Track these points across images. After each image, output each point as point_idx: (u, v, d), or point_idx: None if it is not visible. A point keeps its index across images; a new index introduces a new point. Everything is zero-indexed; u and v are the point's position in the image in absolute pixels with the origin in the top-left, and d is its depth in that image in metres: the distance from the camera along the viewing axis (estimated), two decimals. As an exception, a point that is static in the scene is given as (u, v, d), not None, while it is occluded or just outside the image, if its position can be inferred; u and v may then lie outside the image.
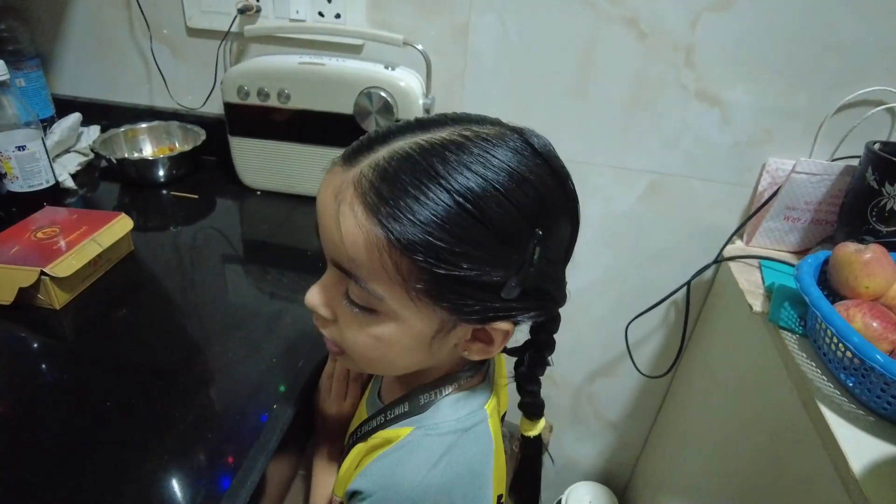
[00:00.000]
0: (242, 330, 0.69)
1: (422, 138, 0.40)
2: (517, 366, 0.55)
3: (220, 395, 0.60)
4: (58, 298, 0.68)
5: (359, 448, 0.52)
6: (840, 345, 0.66)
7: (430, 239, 0.37)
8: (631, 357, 1.11)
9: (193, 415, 0.56)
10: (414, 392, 0.50)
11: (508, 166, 0.39)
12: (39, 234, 0.73)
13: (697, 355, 1.09)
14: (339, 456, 0.60)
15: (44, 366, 0.63)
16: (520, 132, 0.42)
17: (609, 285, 1.11)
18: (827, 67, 0.85)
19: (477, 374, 0.52)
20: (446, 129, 0.41)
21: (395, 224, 0.37)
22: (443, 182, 0.37)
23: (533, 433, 0.57)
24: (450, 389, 0.50)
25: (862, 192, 0.82)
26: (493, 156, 0.39)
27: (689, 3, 0.84)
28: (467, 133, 0.40)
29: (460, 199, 0.37)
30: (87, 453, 0.52)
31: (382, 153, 0.40)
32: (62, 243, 0.71)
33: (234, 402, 0.59)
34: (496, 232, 0.38)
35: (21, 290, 0.67)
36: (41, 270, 0.66)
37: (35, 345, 0.66)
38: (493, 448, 0.50)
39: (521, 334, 0.50)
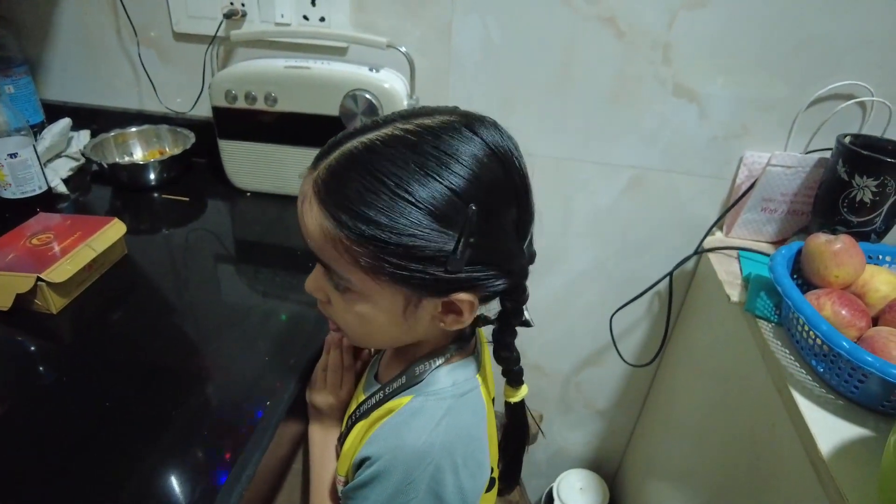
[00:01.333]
0: (236, 329, 0.71)
1: (367, 137, 0.44)
2: (493, 333, 0.58)
3: (215, 393, 0.62)
4: (54, 303, 0.70)
5: (361, 425, 0.56)
6: (811, 332, 0.69)
7: (371, 224, 0.42)
8: (616, 347, 1.14)
9: (189, 412, 0.59)
10: (409, 366, 0.55)
11: (440, 149, 0.43)
12: (34, 241, 0.75)
13: (681, 345, 1.12)
14: (334, 443, 0.63)
15: (42, 368, 0.65)
16: (464, 117, 0.46)
17: (595, 277, 1.13)
18: (800, 62, 0.87)
19: (464, 349, 0.56)
20: (391, 126, 0.45)
21: (341, 214, 0.43)
22: (376, 172, 0.42)
23: (514, 399, 0.60)
24: (440, 361, 0.54)
25: (833, 183, 0.85)
26: (427, 141, 0.43)
27: (666, 1, 0.86)
28: (408, 126, 0.44)
29: (391, 184, 0.41)
30: (86, 452, 0.54)
31: (335, 154, 0.44)
32: (57, 249, 0.73)
33: (229, 400, 0.61)
34: (428, 210, 0.42)
35: (18, 295, 0.69)
36: (38, 276, 0.68)
37: (33, 348, 0.68)
38: (486, 414, 0.55)
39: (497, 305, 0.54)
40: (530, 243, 0.51)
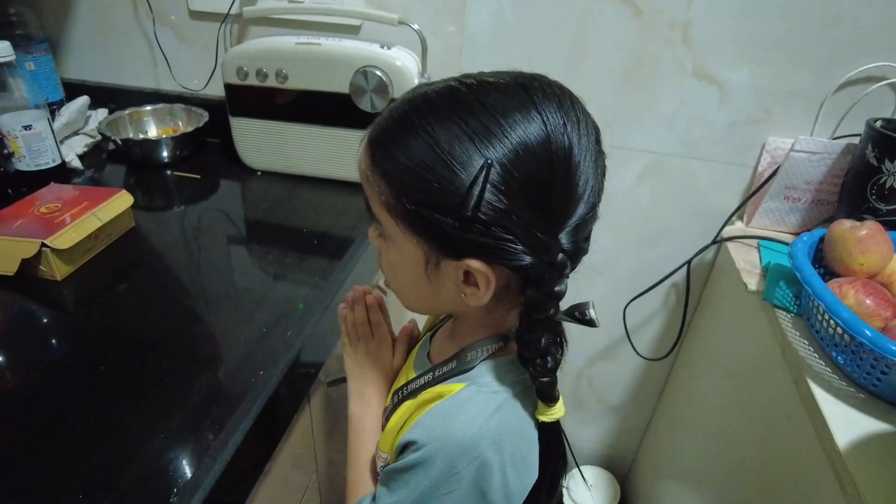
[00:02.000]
0: (235, 301, 0.71)
1: (431, 86, 0.44)
2: (516, 330, 0.51)
3: (209, 362, 0.61)
4: (59, 270, 0.71)
5: (408, 405, 0.54)
6: (831, 321, 0.65)
7: (391, 160, 0.43)
8: (629, 339, 1.11)
9: (183, 379, 0.58)
10: (462, 351, 0.52)
11: (480, 101, 0.41)
12: (42, 209, 0.75)
13: (698, 338, 1.08)
14: (373, 416, 0.62)
15: (43, 332, 0.66)
16: (529, 79, 0.43)
17: (608, 267, 1.10)
18: (827, 44, 0.83)
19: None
20: (455, 79, 0.44)
21: (374, 149, 0.44)
22: (413, 114, 0.42)
23: (542, 417, 0.50)
24: (493, 348, 0.51)
25: (862, 170, 0.81)
26: (473, 93, 0.42)
27: (686, -22, 0.84)
28: (466, 79, 0.43)
29: (418, 124, 0.42)
30: (80, 413, 0.54)
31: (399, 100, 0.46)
32: (64, 217, 0.74)
33: (223, 368, 0.60)
34: (445, 154, 0.40)
35: (24, 261, 0.69)
36: (42, 242, 0.68)
37: (36, 313, 0.68)
38: None
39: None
40: (576, 235, 0.44)
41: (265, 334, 0.65)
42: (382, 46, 0.90)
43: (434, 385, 0.53)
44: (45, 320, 0.68)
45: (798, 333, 0.74)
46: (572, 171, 0.42)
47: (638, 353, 1.12)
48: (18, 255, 0.69)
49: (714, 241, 0.97)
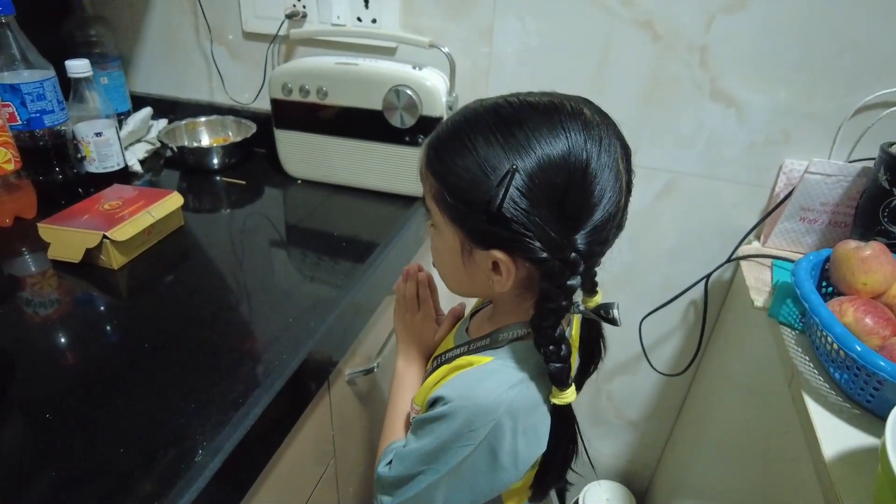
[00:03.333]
0: (268, 294, 0.78)
1: (484, 101, 0.52)
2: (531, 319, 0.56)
3: (239, 344, 0.69)
4: (116, 259, 0.80)
5: (444, 368, 0.61)
6: (828, 337, 0.67)
7: (439, 159, 0.51)
8: (645, 353, 1.13)
9: (215, 358, 0.66)
10: (496, 331, 0.60)
11: (516, 117, 0.48)
12: (106, 206, 0.85)
13: (715, 356, 1.09)
14: (413, 375, 0.71)
15: (99, 313, 0.75)
16: (565, 100, 0.50)
17: (627, 282, 1.13)
18: (844, 69, 0.85)
19: None
20: (503, 97, 0.52)
21: (430, 152, 0.52)
22: (463, 124, 0.50)
23: (554, 400, 0.54)
24: (522, 332, 0.57)
25: (875, 193, 0.82)
26: (512, 109, 0.49)
27: (703, 5, 0.87)
28: (511, 98, 0.51)
29: (465, 132, 0.50)
30: (126, 382, 0.62)
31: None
32: (123, 213, 0.83)
33: (250, 351, 0.67)
34: (481, 159, 0.48)
35: (87, 250, 0.79)
36: (104, 234, 0.78)
37: (95, 296, 0.78)
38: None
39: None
40: (591, 239, 0.49)
41: (290, 324, 0.72)
42: (414, 67, 0.97)
43: (467, 355, 0.60)
44: (101, 302, 0.77)
45: (800, 349, 0.75)
46: (588, 182, 0.47)
47: (654, 368, 1.14)
48: (83, 245, 0.79)
49: (729, 260, 0.99)
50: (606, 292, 1.17)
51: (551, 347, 0.52)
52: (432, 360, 0.68)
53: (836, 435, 0.63)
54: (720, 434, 1.02)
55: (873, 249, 0.72)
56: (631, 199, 0.53)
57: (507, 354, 0.57)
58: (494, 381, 0.54)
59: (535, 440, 0.55)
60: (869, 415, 0.65)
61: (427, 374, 0.66)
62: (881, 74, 0.84)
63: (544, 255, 0.48)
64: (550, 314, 0.51)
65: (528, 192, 0.47)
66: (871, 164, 0.85)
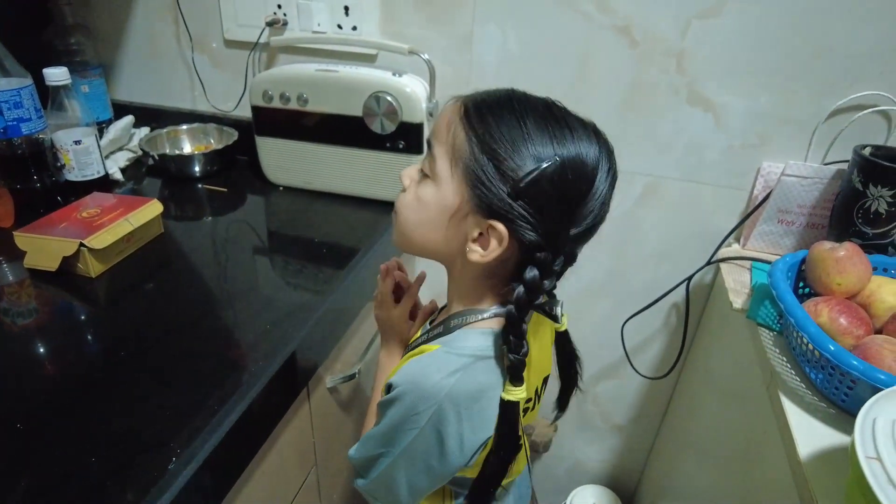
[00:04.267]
0: (246, 301, 0.78)
1: (520, 90, 0.55)
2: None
3: (217, 351, 0.68)
4: (93, 268, 0.79)
5: (406, 357, 0.63)
6: (803, 337, 0.68)
7: (484, 119, 0.52)
8: (628, 357, 1.13)
9: (192, 365, 0.65)
10: (448, 318, 0.62)
11: (566, 119, 0.52)
12: (84, 214, 0.85)
13: (698, 358, 1.10)
14: (395, 363, 0.72)
15: (77, 321, 0.74)
16: (596, 125, 0.55)
17: (609, 287, 1.14)
18: (818, 73, 0.86)
19: (499, 317, 0.59)
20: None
21: (470, 107, 0.53)
22: (511, 97, 0.53)
23: (505, 395, 0.56)
24: (474, 319, 0.59)
25: (849, 194, 0.83)
26: (558, 110, 0.53)
27: (679, 11, 0.88)
28: (556, 101, 0.55)
29: (515, 104, 0.52)
30: (102, 390, 0.62)
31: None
32: (101, 221, 0.83)
33: (228, 357, 0.67)
34: (529, 140, 0.50)
35: (64, 258, 0.78)
36: (81, 242, 0.77)
37: (72, 304, 0.77)
38: (503, 382, 0.57)
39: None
40: (576, 242, 0.54)
41: (269, 330, 0.71)
42: (394, 74, 0.97)
43: (425, 343, 0.62)
44: (78, 311, 0.76)
45: (778, 350, 0.76)
46: (594, 191, 0.52)
47: (637, 371, 1.14)
48: (60, 253, 0.78)
49: (709, 262, 1.00)
50: (589, 296, 1.17)
51: (516, 339, 0.54)
52: (405, 350, 0.71)
53: (811, 434, 0.63)
54: (703, 437, 1.02)
55: (847, 250, 0.73)
56: (613, 202, 0.55)
57: (454, 341, 0.59)
58: (436, 367, 0.56)
59: (480, 425, 0.56)
60: (844, 414, 0.65)
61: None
62: (853, 78, 0.86)
63: (542, 242, 0.51)
64: (525, 305, 0.54)
65: (557, 184, 0.50)
66: (845, 166, 0.87)
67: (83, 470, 0.52)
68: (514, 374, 0.55)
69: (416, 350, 0.61)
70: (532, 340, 0.59)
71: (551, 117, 0.52)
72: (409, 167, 0.61)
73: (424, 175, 0.57)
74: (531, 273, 0.53)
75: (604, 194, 0.52)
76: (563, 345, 0.67)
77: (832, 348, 0.62)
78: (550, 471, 1.44)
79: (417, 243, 0.61)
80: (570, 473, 1.42)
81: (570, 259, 0.55)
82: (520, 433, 0.58)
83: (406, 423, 0.56)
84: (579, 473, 1.41)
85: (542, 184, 0.49)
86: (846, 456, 0.59)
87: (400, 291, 0.75)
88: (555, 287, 0.59)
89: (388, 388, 0.59)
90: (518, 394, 0.55)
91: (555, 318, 0.60)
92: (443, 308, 0.72)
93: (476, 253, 0.54)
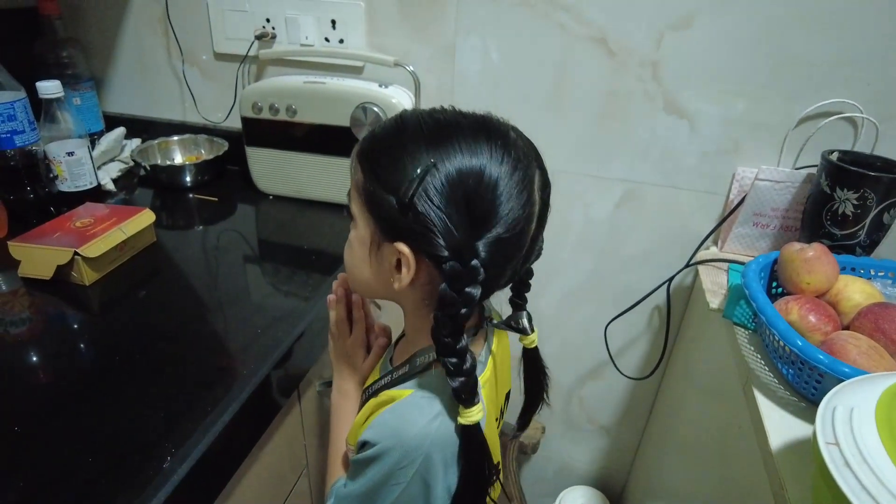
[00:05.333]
0: (237, 307, 0.80)
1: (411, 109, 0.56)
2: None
3: (208, 356, 0.70)
4: (87, 276, 0.81)
5: (370, 403, 0.60)
6: (775, 334, 0.71)
7: (368, 146, 0.53)
8: (612, 358, 1.16)
9: (184, 369, 0.67)
10: (413, 356, 0.59)
11: (446, 120, 0.51)
12: (77, 224, 0.87)
13: (680, 359, 1.13)
14: (348, 407, 0.70)
15: (72, 328, 0.76)
16: (488, 118, 0.53)
17: (591, 290, 1.17)
18: (785, 81, 0.90)
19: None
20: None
21: (363, 143, 0.54)
22: (394, 118, 0.53)
23: (460, 419, 0.53)
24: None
25: (818, 198, 0.86)
26: (442, 115, 0.52)
27: (653, 23, 0.92)
28: (445, 106, 0.54)
29: (396, 123, 0.52)
30: (97, 394, 0.63)
31: None
32: (95, 230, 0.84)
33: (219, 361, 0.69)
34: (405, 151, 0.50)
35: (58, 267, 0.80)
36: (75, 251, 0.79)
37: (66, 312, 0.79)
38: (484, 418, 0.54)
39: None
40: (492, 250, 0.49)
41: (259, 335, 0.73)
42: (381, 85, 1.00)
43: (391, 387, 0.59)
44: (73, 318, 0.78)
45: (752, 348, 0.79)
46: (496, 196, 0.49)
47: (620, 372, 1.17)
48: (54, 262, 0.80)
49: (688, 265, 1.03)
50: (572, 300, 1.20)
51: (452, 360, 0.51)
52: (363, 391, 0.67)
53: (783, 427, 0.66)
54: (685, 435, 1.05)
55: (815, 251, 0.76)
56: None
57: (426, 383, 0.56)
58: (416, 415, 0.53)
59: None
60: (813, 407, 0.68)
61: (357, 410, 0.65)
62: (819, 87, 0.89)
63: (445, 253, 0.48)
64: (447, 321, 0.50)
65: (441, 190, 0.48)
66: (815, 170, 0.90)
67: (79, 469, 0.54)
68: (460, 396, 0.51)
69: (385, 397, 0.58)
70: (489, 356, 0.58)
71: (430, 125, 0.51)
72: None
73: (352, 216, 0.57)
74: (444, 290, 0.49)
75: (515, 197, 0.49)
76: (533, 360, 0.66)
77: (800, 343, 0.65)
78: (539, 473, 1.46)
79: (361, 284, 0.61)
80: (558, 475, 1.45)
81: (492, 267, 0.50)
82: (491, 457, 0.56)
83: (391, 479, 0.53)
84: (567, 475, 1.44)
85: (426, 192, 0.48)
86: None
87: (351, 316, 0.73)
88: (525, 320, 0.60)
89: (363, 444, 0.55)
90: (472, 415, 0.52)
91: (523, 331, 0.60)
92: (399, 338, 0.70)
93: (397, 280, 0.53)
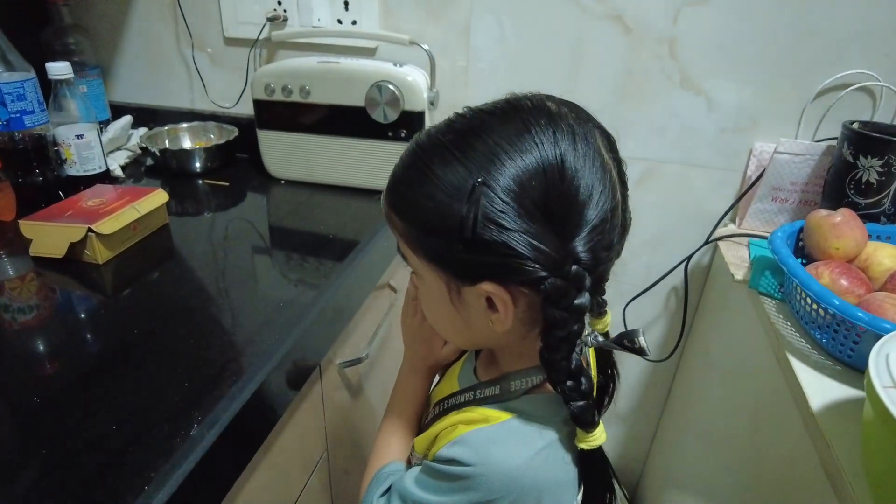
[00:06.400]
0: (248, 289, 0.78)
1: (423, 131, 0.47)
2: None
3: (222, 336, 0.67)
4: (101, 254, 0.79)
5: (452, 417, 0.54)
6: (808, 298, 0.70)
7: (398, 194, 0.46)
8: (631, 341, 1.14)
9: (199, 349, 0.64)
10: (506, 377, 0.52)
11: (472, 127, 0.43)
12: (89, 203, 0.85)
13: (699, 341, 1.12)
14: (420, 388, 0.66)
15: (85, 307, 0.74)
16: (515, 98, 0.45)
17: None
18: (804, 54, 0.90)
19: None
20: (453, 113, 0.47)
21: (390, 193, 0.47)
22: (415, 151, 0.45)
23: (581, 444, 0.48)
24: (537, 380, 0.50)
25: (840, 168, 0.86)
26: (464, 121, 0.44)
27: (669, -1, 0.92)
28: (462, 111, 0.46)
29: (418, 156, 0.44)
30: (110, 371, 0.61)
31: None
32: (108, 209, 0.82)
33: (234, 341, 0.67)
34: (441, 183, 0.42)
35: (71, 245, 0.78)
36: (88, 227, 0.77)
37: (79, 291, 0.77)
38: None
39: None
40: (591, 244, 0.42)
41: (272, 316, 0.71)
42: (395, 64, 0.99)
43: (478, 405, 0.53)
44: (87, 294, 0.76)
45: (781, 316, 0.78)
46: (569, 180, 0.41)
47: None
48: (67, 239, 0.78)
49: (707, 242, 1.02)
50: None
51: (569, 383, 0.45)
52: (436, 403, 0.61)
53: (821, 390, 0.64)
54: (706, 420, 1.03)
55: (843, 215, 0.76)
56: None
57: (529, 409, 0.50)
58: (518, 443, 0.48)
59: None
60: (850, 370, 0.67)
61: (431, 419, 0.59)
62: (837, 58, 0.89)
63: (542, 273, 0.41)
64: (562, 344, 0.44)
65: (504, 208, 0.40)
66: (835, 142, 0.90)
67: (105, 438, 0.52)
68: (581, 421, 0.46)
69: (476, 415, 0.52)
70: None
71: (456, 138, 0.43)
72: (408, 283, 0.59)
73: (414, 273, 0.51)
74: (549, 310, 0.43)
75: (589, 170, 0.42)
76: (607, 357, 0.61)
77: (837, 303, 0.64)
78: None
79: (459, 341, 0.56)
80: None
81: (598, 265, 0.43)
82: (612, 484, 0.52)
83: None
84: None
85: (487, 219, 0.40)
86: (856, 406, 0.61)
87: None
88: (603, 305, 0.54)
89: (447, 459, 0.49)
90: (595, 439, 0.47)
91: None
92: (479, 352, 0.63)
93: (497, 322, 0.46)
